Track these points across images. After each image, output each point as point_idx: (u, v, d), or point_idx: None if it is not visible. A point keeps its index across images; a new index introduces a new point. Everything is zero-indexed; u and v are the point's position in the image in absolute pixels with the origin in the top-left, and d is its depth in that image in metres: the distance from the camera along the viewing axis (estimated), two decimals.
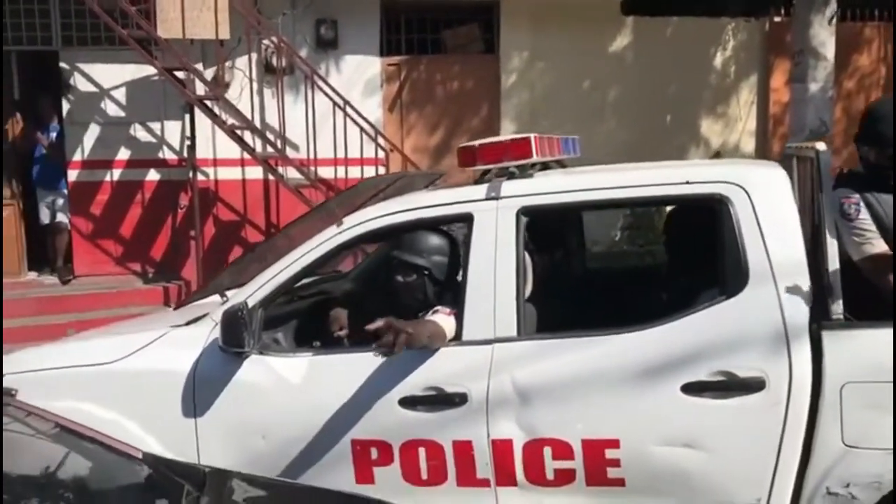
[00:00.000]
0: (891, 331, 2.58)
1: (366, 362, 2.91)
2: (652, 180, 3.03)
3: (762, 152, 9.14)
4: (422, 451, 2.85)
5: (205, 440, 2.99)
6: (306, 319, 3.48)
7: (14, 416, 2.39)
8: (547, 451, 2.78)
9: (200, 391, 3.01)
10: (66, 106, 7.81)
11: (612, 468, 2.75)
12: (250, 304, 2.94)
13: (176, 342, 3.14)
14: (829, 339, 2.62)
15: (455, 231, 3.14)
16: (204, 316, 3.19)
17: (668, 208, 3.62)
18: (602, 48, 8.96)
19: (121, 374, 3.09)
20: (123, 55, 7.49)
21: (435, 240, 3.09)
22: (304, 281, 3.46)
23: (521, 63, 8.90)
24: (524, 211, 2.93)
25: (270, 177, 7.92)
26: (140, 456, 2.41)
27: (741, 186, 2.79)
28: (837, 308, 2.67)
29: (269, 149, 7.54)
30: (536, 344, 2.89)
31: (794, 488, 2.66)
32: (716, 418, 2.69)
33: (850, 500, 2.60)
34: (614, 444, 2.74)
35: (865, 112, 3.11)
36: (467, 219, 2.98)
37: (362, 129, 7.89)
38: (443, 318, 2.90)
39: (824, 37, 7.28)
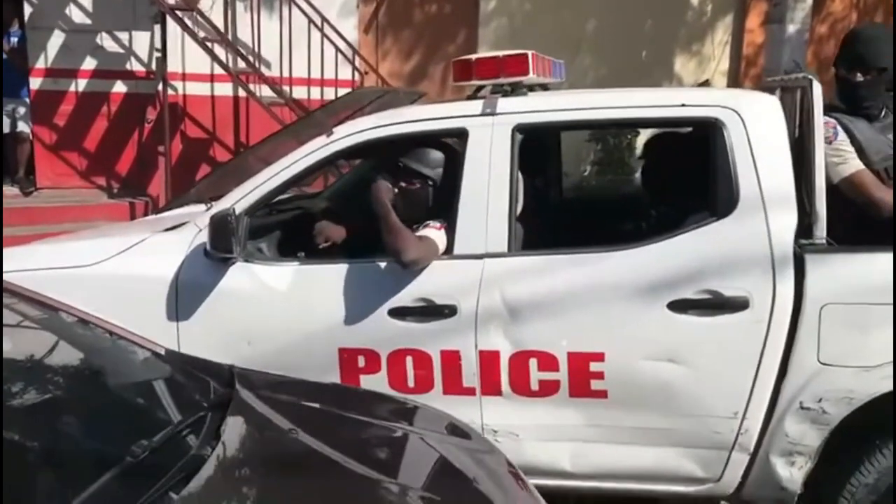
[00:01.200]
0: (868, 255, 2.69)
1: (354, 273, 2.93)
2: (649, 101, 3.04)
3: None
4: (409, 360, 2.89)
5: (187, 345, 2.97)
6: (288, 232, 3.46)
7: (35, 311, 2.32)
8: (533, 362, 2.83)
9: (183, 296, 2.99)
10: (27, 10, 7.44)
11: (595, 380, 2.81)
12: (237, 210, 2.91)
13: (158, 247, 3.11)
14: (812, 262, 2.69)
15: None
16: (185, 223, 3.14)
17: (647, 135, 3.63)
18: None
19: (100, 276, 3.05)
20: None
21: (436, 153, 3.08)
22: (279, 198, 3.42)
23: None
24: (519, 128, 2.93)
25: (241, 94, 7.73)
26: (163, 353, 2.37)
27: (736, 111, 2.82)
28: (821, 233, 2.74)
29: (242, 64, 7.34)
30: (527, 259, 2.91)
31: (770, 403, 2.75)
32: (700, 335, 2.75)
33: (820, 413, 2.70)
34: (599, 357, 2.79)
35: (849, 35, 3.27)
36: (462, 134, 2.97)
37: (338, 50, 7.72)
38: (433, 233, 2.92)
39: None
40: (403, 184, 3.06)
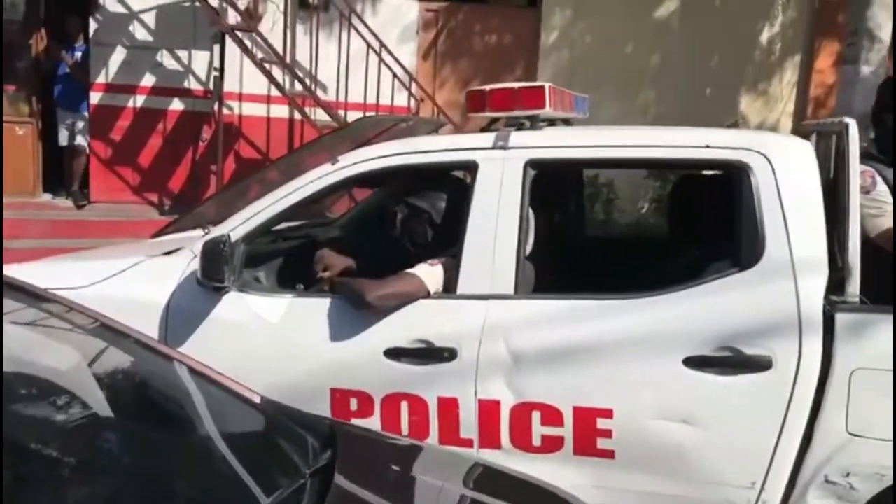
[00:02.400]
0: None
1: (352, 309, 2.78)
2: (670, 141, 2.86)
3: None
4: (404, 405, 2.73)
5: None
6: (290, 261, 3.33)
7: (125, 344, 2.20)
8: (535, 415, 2.66)
9: (173, 324, 2.88)
10: (93, 26, 7.64)
11: (602, 439, 2.64)
12: (233, 237, 2.81)
13: (151, 271, 3.01)
14: (843, 322, 2.49)
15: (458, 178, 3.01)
16: (182, 247, 3.05)
17: (675, 178, 3.43)
18: (648, 12, 8.67)
19: (91, 300, 2.95)
20: None
21: (439, 184, 2.97)
22: (289, 224, 3.30)
23: (562, 20, 8.62)
24: (532, 164, 2.77)
25: (296, 116, 7.76)
26: (258, 401, 2.20)
27: (763, 154, 2.63)
28: (854, 290, 2.53)
29: (299, 87, 7.36)
30: (534, 304, 2.75)
31: (791, 474, 2.55)
32: (717, 395, 2.56)
33: (848, 489, 2.49)
34: (607, 413, 2.61)
35: (889, 83, 3.17)
36: (471, 167, 2.82)
37: (395, 76, 7.67)
38: (423, 269, 2.78)
39: (882, 18, 6.99)
40: (400, 219, 2.96)
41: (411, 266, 2.84)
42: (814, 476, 2.52)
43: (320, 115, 7.37)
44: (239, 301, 2.84)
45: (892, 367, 2.43)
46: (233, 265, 2.76)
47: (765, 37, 8.92)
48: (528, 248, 2.82)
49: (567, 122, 3.28)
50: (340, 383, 2.76)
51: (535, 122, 2.89)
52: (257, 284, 3.07)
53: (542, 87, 2.83)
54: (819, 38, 8.86)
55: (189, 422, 2.10)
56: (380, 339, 2.73)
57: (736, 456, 2.57)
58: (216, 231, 2.91)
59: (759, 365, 2.51)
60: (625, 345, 2.61)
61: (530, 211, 2.79)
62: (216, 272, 2.74)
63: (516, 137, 2.82)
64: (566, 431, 2.64)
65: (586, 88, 8.58)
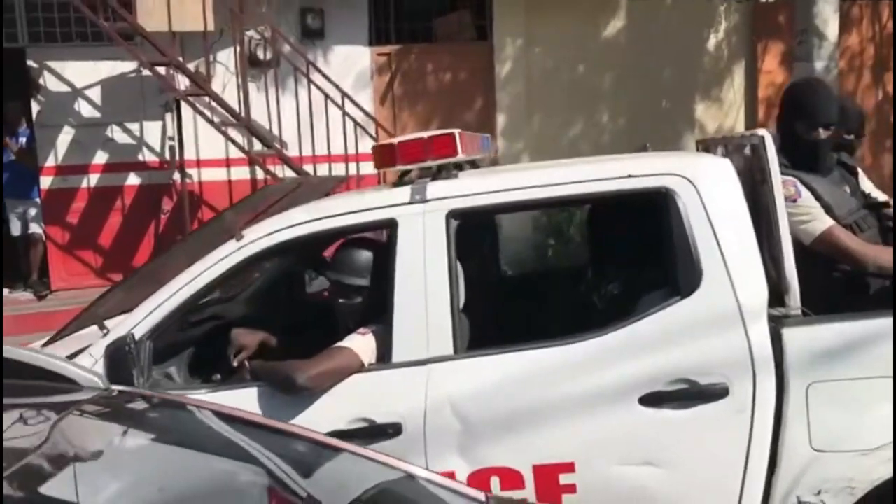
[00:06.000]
0: (853, 323, 2.47)
1: (277, 396, 2.59)
2: (591, 175, 2.77)
3: None
4: None
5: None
6: (201, 350, 3.09)
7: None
8: (494, 481, 2.51)
9: None
10: (35, 108, 7.51)
11: (567, 495, 2.50)
12: (137, 335, 2.59)
13: None
14: (790, 336, 2.43)
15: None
16: (81, 351, 2.82)
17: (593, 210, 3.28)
18: (596, 32, 8.68)
19: None
20: (97, 51, 7.23)
21: (364, 254, 2.78)
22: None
23: (515, 50, 8.59)
24: (453, 214, 2.64)
25: (258, 176, 7.62)
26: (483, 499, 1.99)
27: (687, 178, 2.57)
28: (794, 303, 2.49)
29: (259, 146, 7.22)
30: (476, 361, 2.59)
31: (763, 500, 2.46)
32: (678, 431, 2.48)
33: None
34: (569, 467, 2.49)
35: (803, 91, 3.18)
36: (390, 225, 2.67)
37: (357, 123, 7.54)
38: (355, 340, 2.61)
39: (828, 15, 7.05)
40: (342, 301, 2.77)
41: (333, 336, 2.67)
42: (785, 499, 2.45)
43: (287, 173, 7.24)
44: None
45: (846, 376, 2.40)
46: (140, 366, 2.55)
47: (711, 44, 8.96)
48: (461, 302, 2.67)
49: (474, 164, 3.16)
50: None
51: (448, 171, 2.76)
52: (169, 382, 2.83)
53: (452, 134, 2.70)
54: (763, 41, 8.91)
55: None
56: (315, 425, 2.48)
57: (705, 490, 2.49)
58: (117, 329, 2.68)
59: (716, 394, 2.44)
60: (578, 391, 2.49)
61: (457, 262, 2.65)
62: (123, 377, 2.50)
63: (434, 188, 2.68)
64: (528, 493, 2.50)
65: (544, 114, 8.48)
